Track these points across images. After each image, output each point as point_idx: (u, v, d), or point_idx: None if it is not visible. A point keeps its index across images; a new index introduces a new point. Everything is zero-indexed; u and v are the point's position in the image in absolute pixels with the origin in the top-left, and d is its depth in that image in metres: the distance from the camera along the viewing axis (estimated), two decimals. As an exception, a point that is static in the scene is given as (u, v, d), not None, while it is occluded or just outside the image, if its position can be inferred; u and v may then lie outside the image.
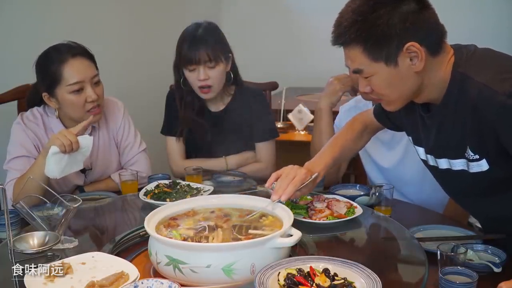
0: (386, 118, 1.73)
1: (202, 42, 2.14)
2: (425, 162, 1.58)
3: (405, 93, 1.41)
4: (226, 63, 2.21)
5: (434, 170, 1.55)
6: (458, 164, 1.43)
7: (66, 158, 1.83)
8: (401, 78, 1.36)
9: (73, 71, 1.96)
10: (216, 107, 2.32)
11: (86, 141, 1.88)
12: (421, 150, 1.57)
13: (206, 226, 1.43)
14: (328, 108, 2.20)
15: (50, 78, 1.97)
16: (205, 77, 2.16)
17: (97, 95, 2.00)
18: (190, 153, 2.37)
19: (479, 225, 2.09)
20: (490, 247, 1.44)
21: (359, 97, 2.20)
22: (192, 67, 2.16)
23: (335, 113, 2.26)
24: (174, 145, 2.34)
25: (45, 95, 2.01)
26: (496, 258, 1.40)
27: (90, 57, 2.03)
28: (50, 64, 1.96)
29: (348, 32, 1.35)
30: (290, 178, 1.55)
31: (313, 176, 1.61)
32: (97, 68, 2.05)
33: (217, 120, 2.30)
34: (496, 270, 1.33)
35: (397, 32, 1.31)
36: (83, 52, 2.01)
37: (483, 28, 3.96)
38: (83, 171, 2.10)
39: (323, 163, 1.68)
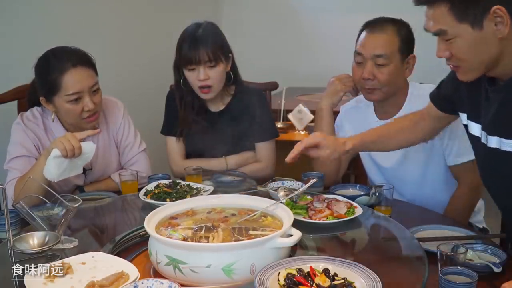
0: (441, 100, 1.68)
1: (202, 42, 2.14)
2: (475, 139, 1.54)
3: (485, 60, 1.37)
4: (226, 63, 2.21)
5: (482, 148, 1.51)
6: (509, 145, 1.40)
7: (66, 163, 1.82)
8: (484, 43, 1.34)
9: (73, 81, 1.93)
10: (216, 107, 2.32)
11: (89, 147, 1.87)
12: (476, 126, 1.53)
13: (204, 226, 1.43)
14: (329, 108, 2.19)
15: (48, 85, 1.95)
16: (205, 77, 2.16)
17: (94, 104, 1.98)
18: (190, 153, 2.37)
19: (479, 225, 2.10)
20: (490, 247, 1.44)
21: (359, 97, 2.20)
22: (192, 67, 2.16)
23: (335, 113, 2.26)
24: (174, 145, 2.34)
25: (42, 99, 2.00)
26: (496, 258, 1.40)
27: (91, 65, 2.00)
28: (50, 72, 1.94)
29: None
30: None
31: (312, 182, 1.63)
32: (97, 74, 2.02)
33: (217, 120, 2.29)
34: (496, 270, 1.33)
35: None
36: (84, 60, 1.98)
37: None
38: (83, 171, 2.10)
39: (359, 136, 1.75)
